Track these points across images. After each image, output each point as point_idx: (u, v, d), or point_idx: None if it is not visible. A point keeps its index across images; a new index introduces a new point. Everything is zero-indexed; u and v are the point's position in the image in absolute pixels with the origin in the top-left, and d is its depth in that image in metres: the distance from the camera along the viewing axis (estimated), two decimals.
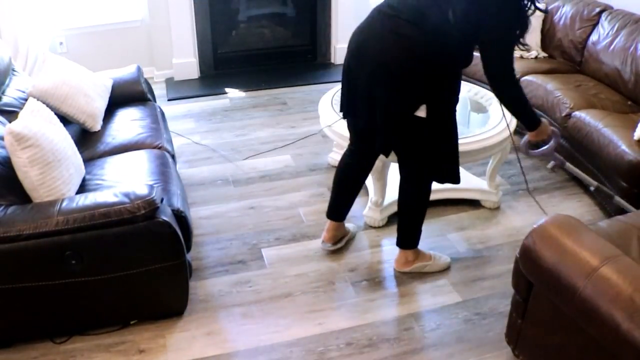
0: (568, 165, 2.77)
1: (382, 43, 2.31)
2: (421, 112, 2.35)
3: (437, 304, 2.72)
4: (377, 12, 2.39)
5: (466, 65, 2.45)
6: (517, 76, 4.01)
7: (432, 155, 2.55)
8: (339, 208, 2.97)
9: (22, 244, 2.13)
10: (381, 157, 2.79)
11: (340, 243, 3.04)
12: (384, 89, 2.34)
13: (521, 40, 2.33)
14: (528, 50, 2.39)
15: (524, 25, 2.27)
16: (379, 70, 2.33)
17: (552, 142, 2.65)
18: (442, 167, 2.61)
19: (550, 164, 2.82)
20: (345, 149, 2.91)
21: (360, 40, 2.41)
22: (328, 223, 3.00)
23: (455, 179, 2.64)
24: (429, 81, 2.33)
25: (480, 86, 3.84)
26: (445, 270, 2.92)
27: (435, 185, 3.39)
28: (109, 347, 2.44)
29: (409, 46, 2.26)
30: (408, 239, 2.85)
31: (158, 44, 5.08)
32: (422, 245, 2.93)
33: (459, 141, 2.98)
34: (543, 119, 2.52)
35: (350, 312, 2.66)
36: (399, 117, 2.39)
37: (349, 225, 3.13)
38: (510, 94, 2.41)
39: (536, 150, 2.68)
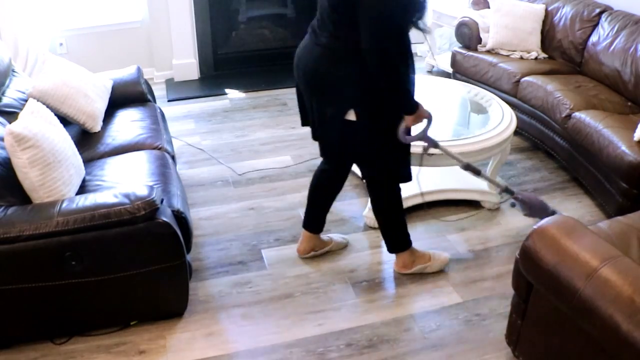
0: (441, 145, 2.64)
1: (309, 54, 2.41)
2: (351, 116, 2.36)
3: (437, 304, 2.72)
4: (310, 27, 2.47)
5: None
6: (517, 78, 4.10)
7: (377, 158, 2.53)
8: (313, 217, 2.92)
9: (22, 244, 2.14)
10: None
11: (311, 254, 2.99)
12: (316, 97, 2.44)
13: (417, 23, 2.29)
14: (424, 31, 2.28)
15: (411, 6, 2.24)
16: (311, 80, 2.43)
17: (426, 125, 2.53)
18: (391, 169, 2.59)
19: (423, 147, 2.66)
20: None
21: (298, 54, 2.50)
22: (302, 233, 2.97)
23: (405, 179, 2.62)
24: (351, 85, 2.33)
25: (480, 87, 3.85)
26: (446, 267, 2.91)
27: (435, 186, 3.42)
28: (109, 348, 2.44)
29: (328, 54, 2.34)
30: (394, 243, 2.83)
31: (158, 45, 5.08)
32: (422, 246, 2.93)
33: (459, 142, 3.00)
34: (419, 102, 2.40)
35: (350, 313, 2.66)
36: (331, 123, 2.41)
37: (335, 235, 3.09)
38: (387, 75, 2.25)
39: (412, 136, 2.50)
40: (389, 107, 2.38)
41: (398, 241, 2.82)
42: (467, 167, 2.68)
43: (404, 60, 2.31)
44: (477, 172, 2.70)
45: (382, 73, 2.23)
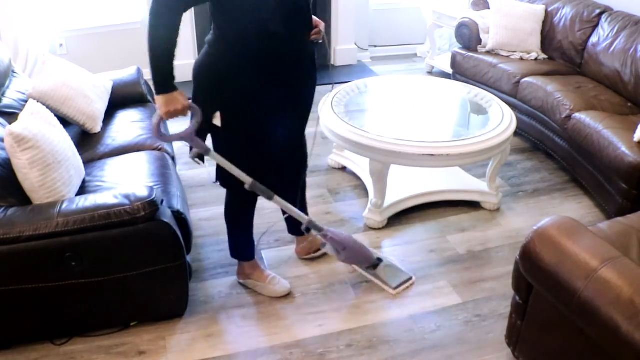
0: (212, 153, 2.26)
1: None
2: (216, 121, 2.23)
3: (437, 305, 2.72)
4: None
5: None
6: (517, 79, 4.10)
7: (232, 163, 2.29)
8: (291, 221, 2.83)
9: (22, 245, 2.13)
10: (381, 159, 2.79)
11: (310, 255, 2.98)
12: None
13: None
14: None
15: None
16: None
17: (190, 125, 2.18)
18: (226, 178, 2.38)
19: (191, 153, 2.27)
20: (343, 150, 2.88)
21: None
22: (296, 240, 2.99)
23: (244, 196, 2.38)
24: (209, 90, 2.23)
25: (480, 88, 3.85)
26: (280, 297, 2.73)
27: (435, 187, 3.42)
28: (109, 349, 2.44)
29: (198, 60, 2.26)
30: (231, 249, 2.75)
31: None
32: (422, 246, 2.93)
33: (459, 142, 3.00)
34: (180, 90, 2.11)
35: (350, 314, 2.66)
36: (205, 126, 2.24)
37: None
38: (149, 37, 2.09)
39: (170, 134, 2.24)
40: (254, 115, 2.23)
41: (234, 249, 2.74)
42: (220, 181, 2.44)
43: (167, 37, 2.09)
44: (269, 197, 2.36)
45: (148, 37, 2.08)
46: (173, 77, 2.11)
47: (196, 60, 2.28)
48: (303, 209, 2.80)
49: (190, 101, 2.17)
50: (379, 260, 2.82)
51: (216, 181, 2.50)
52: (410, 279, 2.81)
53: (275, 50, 2.16)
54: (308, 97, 2.47)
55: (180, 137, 2.19)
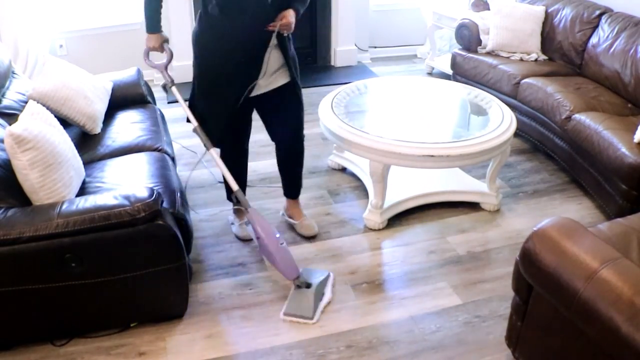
0: (173, 88, 2.89)
1: None
2: (194, 70, 2.85)
3: (437, 306, 2.72)
4: None
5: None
6: (517, 80, 4.10)
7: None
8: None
9: (22, 246, 2.13)
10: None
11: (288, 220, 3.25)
12: None
13: None
14: None
15: None
16: None
17: (165, 59, 2.91)
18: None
19: (162, 83, 2.99)
20: (343, 151, 2.92)
21: None
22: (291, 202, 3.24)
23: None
24: (193, 46, 2.81)
25: (480, 89, 3.85)
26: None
27: (434, 188, 3.42)
28: (109, 350, 2.44)
29: None
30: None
31: None
32: (422, 247, 2.92)
33: (459, 143, 3.01)
34: (161, 33, 2.85)
35: (350, 315, 2.66)
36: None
37: (310, 220, 3.25)
38: None
39: (153, 63, 2.95)
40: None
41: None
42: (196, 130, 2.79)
43: None
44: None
45: None
46: (153, 23, 2.85)
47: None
48: (293, 184, 3.19)
49: (167, 44, 2.90)
50: (300, 283, 2.67)
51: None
52: (309, 319, 2.58)
53: (233, 29, 2.60)
54: (256, 73, 2.73)
55: (154, 65, 2.96)
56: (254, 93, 2.75)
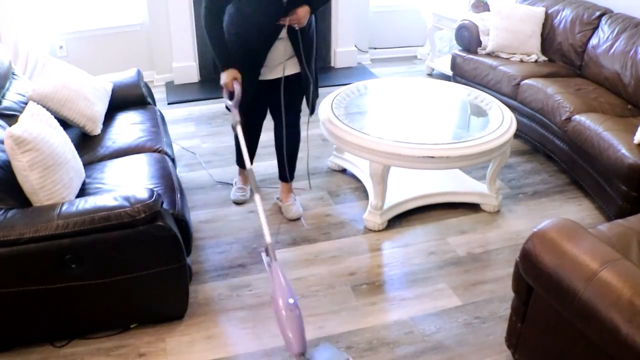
0: (238, 126, 2.85)
1: None
2: None
3: (437, 307, 2.71)
4: None
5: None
6: (517, 81, 4.11)
7: None
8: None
9: (22, 247, 2.13)
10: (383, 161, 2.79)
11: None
12: None
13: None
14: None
15: None
16: None
17: (235, 98, 2.86)
18: None
19: (231, 122, 2.92)
20: (343, 153, 2.93)
21: None
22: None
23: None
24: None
25: (480, 90, 3.85)
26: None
27: (434, 189, 3.42)
28: (109, 351, 2.44)
29: None
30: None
31: (158, 48, 5.08)
32: (422, 248, 2.92)
33: (459, 144, 3.01)
34: (230, 69, 2.85)
35: (350, 316, 2.66)
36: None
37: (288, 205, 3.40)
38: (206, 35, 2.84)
39: (228, 100, 2.91)
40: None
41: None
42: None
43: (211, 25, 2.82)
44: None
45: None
46: (225, 59, 2.87)
47: None
48: (285, 167, 3.37)
49: (236, 83, 2.87)
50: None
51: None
52: None
53: (250, 25, 2.85)
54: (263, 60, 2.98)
55: (228, 105, 2.91)
56: (264, 77, 3.00)
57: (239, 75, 2.86)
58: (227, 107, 2.94)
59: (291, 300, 2.25)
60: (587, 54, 4.19)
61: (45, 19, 4.63)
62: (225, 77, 2.85)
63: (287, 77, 3.01)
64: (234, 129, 2.86)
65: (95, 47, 4.98)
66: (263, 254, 2.46)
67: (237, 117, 2.81)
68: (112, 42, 5.01)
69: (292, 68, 3.02)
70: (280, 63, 2.98)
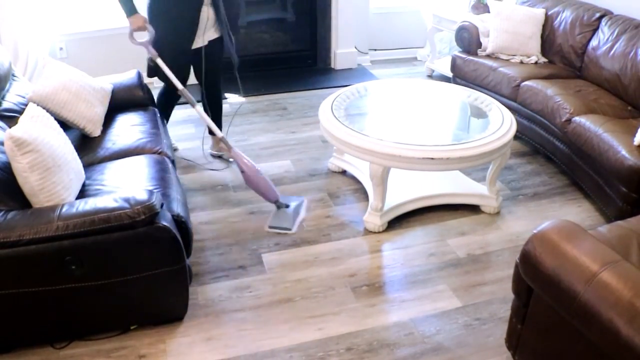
0: (158, 59, 3.30)
1: None
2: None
3: (437, 309, 2.71)
4: None
5: None
6: (517, 82, 4.11)
7: None
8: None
9: (22, 249, 2.13)
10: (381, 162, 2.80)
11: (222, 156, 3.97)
12: None
13: None
14: None
15: None
16: None
17: (147, 37, 3.30)
18: None
19: (148, 58, 3.41)
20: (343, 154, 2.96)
21: None
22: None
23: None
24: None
25: (480, 91, 3.85)
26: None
27: (434, 191, 3.42)
28: (109, 353, 2.44)
29: None
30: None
31: None
32: (422, 250, 2.92)
33: (459, 146, 3.01)
34: (139, 13, 3.29)
35: (350, 317, 2.66)
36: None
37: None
38: None
39: (138, 41, 3.30)
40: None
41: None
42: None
43: None
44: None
45: None
46: (132, 7, 3.26)
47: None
48: (216, 122, 3.64)
49: (147, 23, 3.31)
50: (280, 204, 3.27)
51: (150, 76, 3.56)
52: (289, 229, 3.18)
53: None
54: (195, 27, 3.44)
55: (140, 43, 3.30)
56: (195, 46, 3.44)
57: (145, 21, 3.29)
58: (148, 64, 3.41)
59: (258, 168, 3.24)
60: (587, 56, 4.19)
61: (46, 21, 4.63)
62: (134, 22, 3.27)
63: (212, 41, 3.49)
64: (153, 62, 3.28)
65: (96, 49, 4.98)
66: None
67: (154, 52, 3.27)
68: (112, 43, 5.00)
69: (215, 32, 3.51)
70: (211, 28, 3.46)
